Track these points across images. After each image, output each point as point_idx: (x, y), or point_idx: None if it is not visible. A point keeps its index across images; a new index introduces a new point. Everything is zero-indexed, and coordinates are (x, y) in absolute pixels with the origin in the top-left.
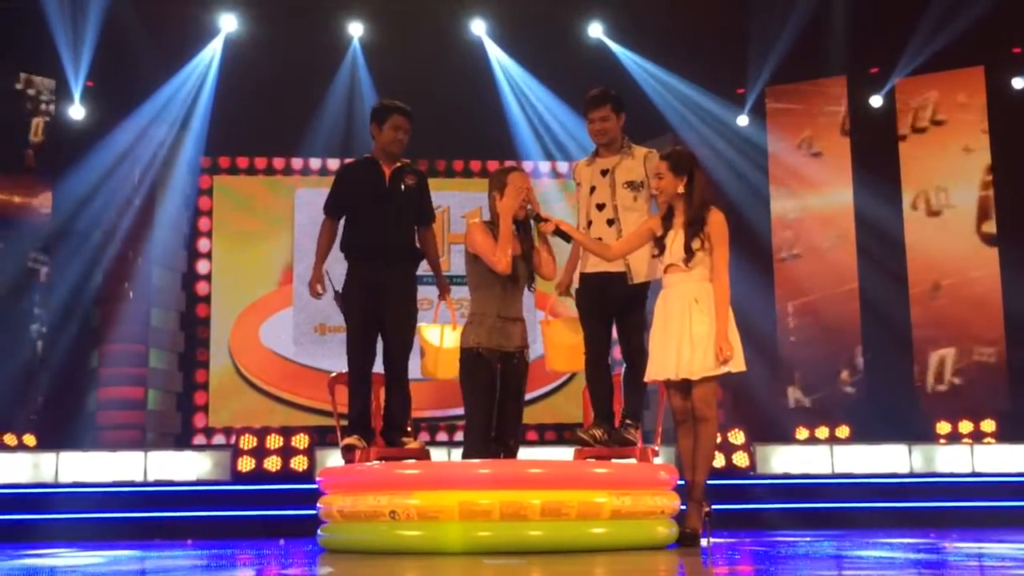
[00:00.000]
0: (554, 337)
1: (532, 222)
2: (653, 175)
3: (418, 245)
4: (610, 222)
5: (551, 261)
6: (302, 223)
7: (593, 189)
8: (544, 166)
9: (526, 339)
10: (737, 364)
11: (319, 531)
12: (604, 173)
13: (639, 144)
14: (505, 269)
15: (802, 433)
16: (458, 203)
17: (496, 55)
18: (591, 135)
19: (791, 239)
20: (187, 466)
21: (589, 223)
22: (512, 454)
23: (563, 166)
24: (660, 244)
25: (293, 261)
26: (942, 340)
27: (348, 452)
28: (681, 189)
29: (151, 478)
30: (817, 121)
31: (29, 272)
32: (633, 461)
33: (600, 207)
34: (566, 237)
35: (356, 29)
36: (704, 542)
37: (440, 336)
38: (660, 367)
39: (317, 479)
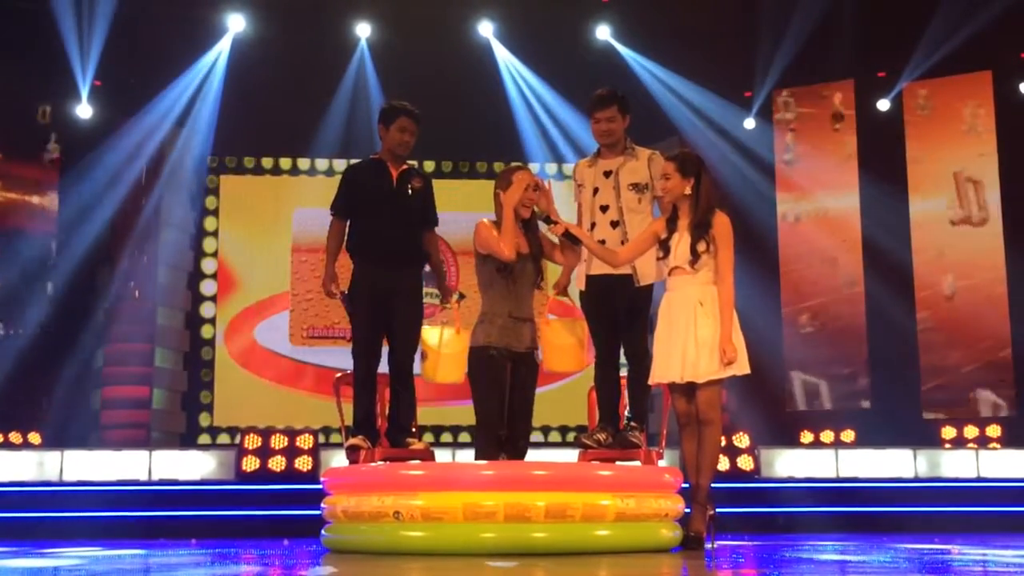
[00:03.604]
0: (552, 338)
1: (543, 223)
2: (660, 176)
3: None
4: (614, 224)
5: (570, 255)
6: (304, 228)
7: (596, 191)
8: (551, 168)
9: (536, 340)
10: (741, 367)
11: (323, 531)
12: (607, 175)
13: (644, 146)
14: (509, 257)
15: (807, 437)
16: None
17: (503, 57)
18: (595, 135)
19: (797, 243)
20: (191, 465)
21: (592, 225)
22: (520, 455)
23: (570, 168)
24: (665, 247)
25: (294, 261)
26: (949, 344)
27: (353, 452)
28: (688, 191)
29: (155, 477)
30: (825, 124)
31: (35, 271)
32: (637, 464)
33: (604, 209)
34: (575, 240)
35: (364, 30)
36: (708, 545)
37: (439, 339)
38: (664, 370)
39: (321, 479)
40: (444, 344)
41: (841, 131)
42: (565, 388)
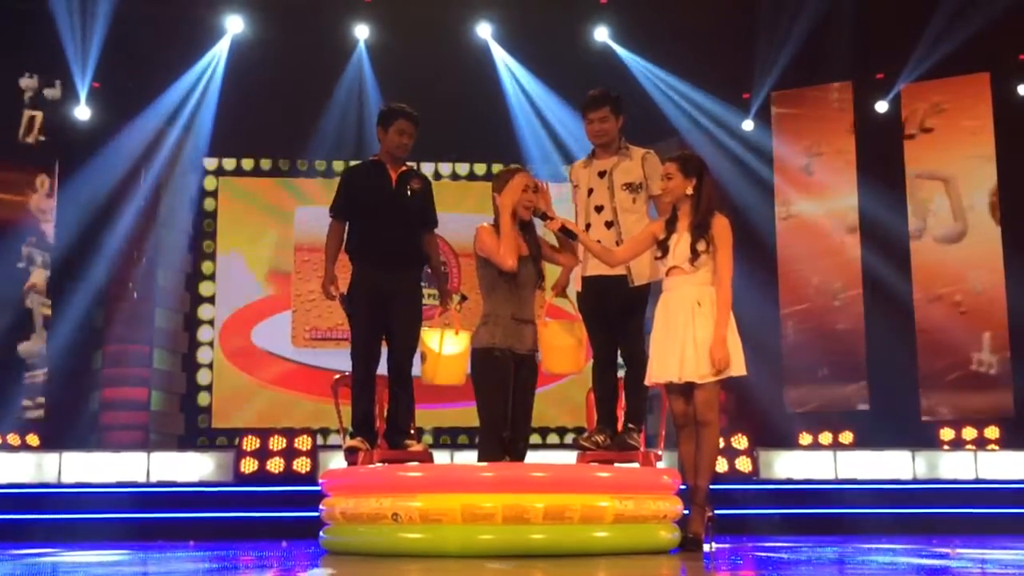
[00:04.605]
0: (551, 339)
1: (539, 220)
2: (662, 175)
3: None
4: (608, 224)
5: (569, 256)
6: (302, 229)
7: (591, 191)
8: (548, 170)
9: (537, 342)
10: (738, 368)
11: (321, 533)
12: (602, 175)
13: (643, 148)
14: (511, 267)
15: (805, 438)
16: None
17: (502, 58)
18: (589, 135)
19: (795, 244)
20: (190, 467)
21: (587, 226)
22: (520, 457)
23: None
24: (663, 247)
25: (293, 263)
26: (947, 345)
27: (351, 454)
28: (689, 191)
29: (154, 479)
30: (823, 126)
31: (34, 273)
32: (636, 465)
33: (599, 209)
34: (571, 235)
35: (362, 31)
36: (707, 547)
37: (440, 341)
38: (661, 370)
39: (320, 481)
40: (444, 346)
41: (836, 133)
42: (564, 390)
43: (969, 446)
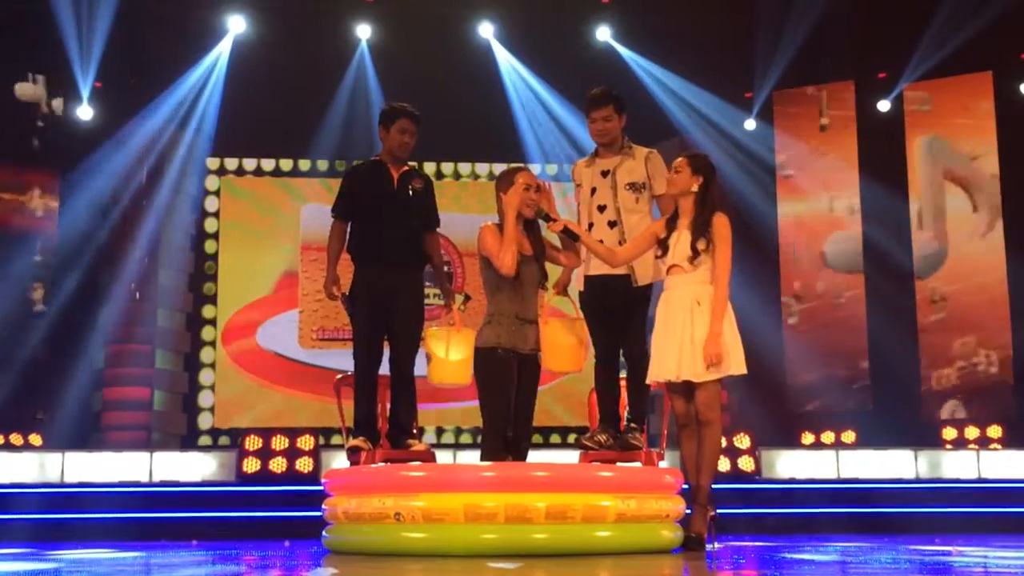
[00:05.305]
0: (552, 337)
1: (542, 221)
2: (672, 168)
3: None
4: (612, 224)
5: (572, 256)
6: (309, 228)
7: (594, 190)
8: (551, 169)
9: (539, 341)
10: (738, 366)
11: (324, 533)
12: (605, 174)
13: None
14: (508, 271)
15: (808, 438)
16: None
17: (504, 58)
18: (592, 135)
19: (798, 243)
20: (192, 467)
21: (590, 225)
22: (522, 457)
23: (570, 169)
24: (663, 245)
25: (300, 263)
26: (949, 345)
27: (353, 454)
28: (694, 188)
29: (156, 479)
30: (824, 125)
31: (36, 273)
32: (638, 465)
33: (602, 209)
34: (573, 236)
35: (364, 31)
36: (709, 546)
37: (447, 347)
38: (662, 368)
39: (322, 481)
40: (451, 348)
41: (838, 132)
42: (566, 390)
43: (972, 445)
